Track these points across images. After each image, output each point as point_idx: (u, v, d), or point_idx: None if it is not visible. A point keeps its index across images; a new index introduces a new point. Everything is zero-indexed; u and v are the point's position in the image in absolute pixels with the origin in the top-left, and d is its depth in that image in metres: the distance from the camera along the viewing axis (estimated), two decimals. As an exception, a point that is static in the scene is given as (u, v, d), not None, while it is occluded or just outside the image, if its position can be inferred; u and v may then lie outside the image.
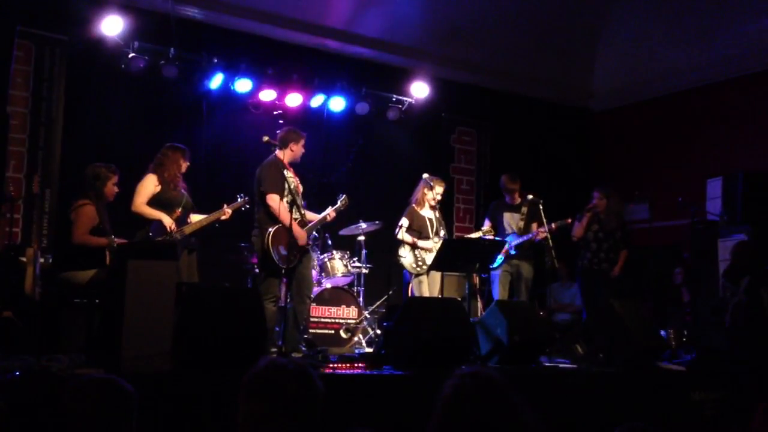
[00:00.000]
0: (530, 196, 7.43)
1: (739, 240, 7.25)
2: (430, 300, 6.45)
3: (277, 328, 5.96)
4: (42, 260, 5.42)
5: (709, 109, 9.65)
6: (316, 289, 6.85)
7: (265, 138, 5.93)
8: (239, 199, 6.15)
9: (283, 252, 5.77)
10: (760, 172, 8.09)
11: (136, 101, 7.58)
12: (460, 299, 6.67)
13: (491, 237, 7.33)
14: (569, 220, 7.42)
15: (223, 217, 5.96)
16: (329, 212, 6.35)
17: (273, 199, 5.86)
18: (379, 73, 9.07)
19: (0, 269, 5.66)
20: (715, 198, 8.24)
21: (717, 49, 9.29)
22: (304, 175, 6.45)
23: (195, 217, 5.94)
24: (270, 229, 5.82)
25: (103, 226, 5.30)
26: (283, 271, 5.79)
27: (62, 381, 3.61)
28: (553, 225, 7.22)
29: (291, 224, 5.61)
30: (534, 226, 7.28)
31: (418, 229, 6.96)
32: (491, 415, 1.83)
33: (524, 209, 7.38)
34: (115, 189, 5.51)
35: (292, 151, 6.17)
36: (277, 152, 6.10)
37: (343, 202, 6.51)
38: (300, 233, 5.83)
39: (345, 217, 7.37)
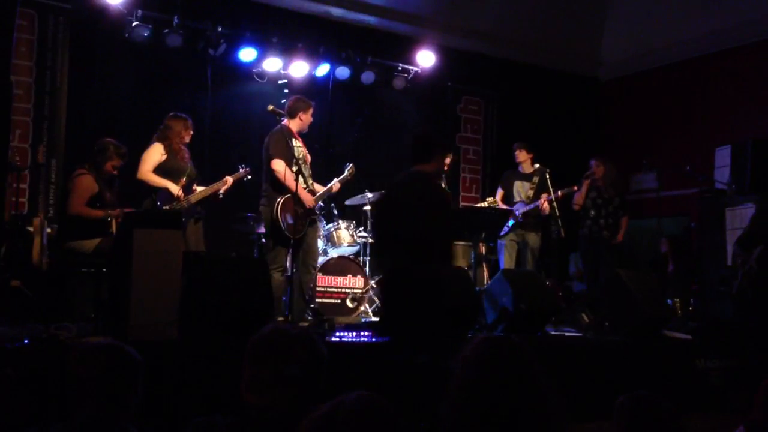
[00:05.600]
0: (537, 165, 7.44)
1: (759, 208, 7.16)
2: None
3: (285, 298, 5.98)
4: (49, 230, 5.44)
5: (717, 77, 9.53)
6: (322, 259, 6.86)
7: (270, 107, 5.91)
8: (241, 170, 6.15)
9: (290, 221, 5.78)
10: (770, 141, 8.01)
11: (140, 70, 7.53)
12: (466, 268, 6.68)
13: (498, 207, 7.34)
14: (576, 187, 7.45)
15: (225, 187, 5.96)
16: (334, 183, 6.37)
17: (278, 164, 5.84)
18: (384, 41, 8.98)
19: (7, 239, 5.68)
20: (724, 167, 8.17)
21: (726, 16, 9.15)
22: (311, 144, 6.42)
23: (197, 189, 5.94)
24: (279, 199, 5.83)
25: (103, 196, 5.29)
26: (292, 241, 5.81)
27: (70, 348, 3.64)
28: (559, 193, 7.26)
29: (297, 189, 5.63)
30: (544, 196, 7.28)
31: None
32: (508, 376, 1.84)
33: (535, 178, 7.43)
34: (114, 172, 5.48)
35: (300, 120, 6.16)
36: (285, 121, 6.08)
37: (350, 172, 6.52)
38: (307, 197, 5.89)
39: (351, 187, 7.36)
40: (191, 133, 5.93)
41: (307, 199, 5.90)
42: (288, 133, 6.01)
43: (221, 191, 5.97)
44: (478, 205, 7.59)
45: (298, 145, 6.05)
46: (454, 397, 1.86)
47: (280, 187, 5.89)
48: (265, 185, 6.03)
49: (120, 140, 5.60)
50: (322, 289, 6.82)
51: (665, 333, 6.11)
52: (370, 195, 7.32)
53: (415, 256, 4.77)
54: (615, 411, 2.36)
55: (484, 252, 7.49)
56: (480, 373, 1.86)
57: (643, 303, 5.87)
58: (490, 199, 7.47)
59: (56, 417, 2.34)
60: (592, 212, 7.50)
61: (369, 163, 8.64)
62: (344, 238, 7.12)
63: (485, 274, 7.51)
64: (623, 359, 5.52)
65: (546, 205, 7.21)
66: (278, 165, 5.84)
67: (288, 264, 5.97)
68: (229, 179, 5.99)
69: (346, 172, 6.54)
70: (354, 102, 8.76)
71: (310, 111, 6.20)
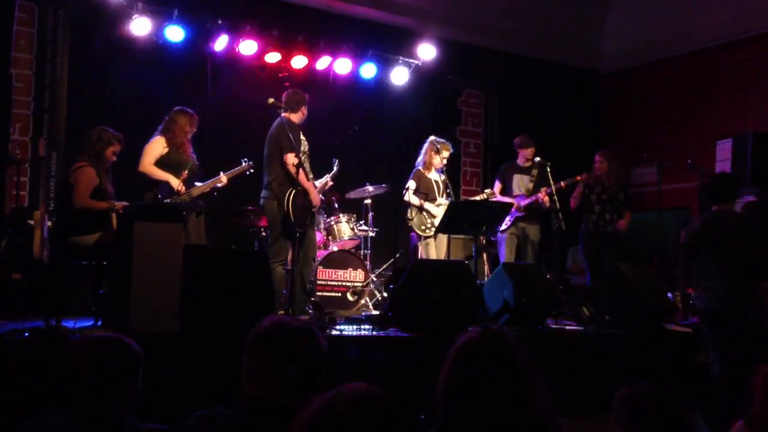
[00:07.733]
0: (537, 159, 7.42)
1: (748, 201, 7.17)
2: (437, 262, 6.46)
3: (285, 291, 5.99)
4: (49, 223, 5.43)
5: (719, 71, 9.51)
6: (323, 252, 6.87)
7: (271, 100, 5.90)
8: (243, 164, 6.14)
9: (300, 213, 5.83)
10: (771, 134, 7.99)
11: (139, 63, 7.51)
12: (466, 261, 6.68)
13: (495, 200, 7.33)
14: (579, 177, 7.42)
15: (219, 185, 5.94)
16: (327, 180, 6.43)
17: (291, 158, 5.86)
18: (385, 34, 8.96)
19: (8, 232, 5.68)
20: (725, 160, 8.16)
21: (727, 10, 9.13)
22: (311, 138, 6.43)
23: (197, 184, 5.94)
24: (291, 191, 5.82)
25: (104, 188, 5.29)
26: (298, 234, 5.84)
27: (70, 341, 3.64)
28: (562, 183, 7.26)
29: (309, 185, 5.78)
30: (544, 189, 7.26)
31: (426, 191, 6.99)
32: (500, 369, 1.85)
33: (534, 171, 7.41)
34: (113, 158, 5.45)
35: (303, 114, 6.22)
36: (286, 114, 6.06)
37: (339, 168, 6.61)
38: (316, 196, 5.99)
39: (352, 181, 7.36)
40: (194, 130, 5.93)
41: (316, 199, 6.00)
42: (293, 126, 6.03)
43: (217, 188, 5.96)
44: (477, 197, 7.57)
45: (302, 138, 6.10)
46: (445, 387, 1.88)
47: (290, 179, 5.89)
48: (270, 178, 6.00)
49: (120, 133, 5.59)
50: (323, 282, 6.82)
51: (665, 326, 6.12)
52: (371, 188, 7.32)
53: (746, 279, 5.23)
54: (615, 402, 2.36)
55: (484, 244, 7.49)
56: (469, 364, 1.88)
57: (643, 296, 5.87)
58: (488, 191, 7.46)
59: (57, 409, 2.34)
60: (597, 207, 7.45)
61: (369, 156, 8.65)
62: (345, 232, 7.12)
63: (486, 267, 7.52)
64: (623, 352, 5.53)
65: (546, 198, 7.20)
66: (291, 159, 5.85)
67: (289, 257, 5.99)
68: (223, 177, 5.95)
69: (335, 168, 6.59)
70: (354, 95, 8.75)
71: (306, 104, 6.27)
